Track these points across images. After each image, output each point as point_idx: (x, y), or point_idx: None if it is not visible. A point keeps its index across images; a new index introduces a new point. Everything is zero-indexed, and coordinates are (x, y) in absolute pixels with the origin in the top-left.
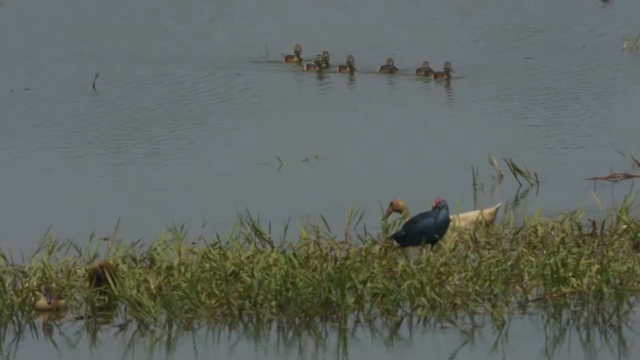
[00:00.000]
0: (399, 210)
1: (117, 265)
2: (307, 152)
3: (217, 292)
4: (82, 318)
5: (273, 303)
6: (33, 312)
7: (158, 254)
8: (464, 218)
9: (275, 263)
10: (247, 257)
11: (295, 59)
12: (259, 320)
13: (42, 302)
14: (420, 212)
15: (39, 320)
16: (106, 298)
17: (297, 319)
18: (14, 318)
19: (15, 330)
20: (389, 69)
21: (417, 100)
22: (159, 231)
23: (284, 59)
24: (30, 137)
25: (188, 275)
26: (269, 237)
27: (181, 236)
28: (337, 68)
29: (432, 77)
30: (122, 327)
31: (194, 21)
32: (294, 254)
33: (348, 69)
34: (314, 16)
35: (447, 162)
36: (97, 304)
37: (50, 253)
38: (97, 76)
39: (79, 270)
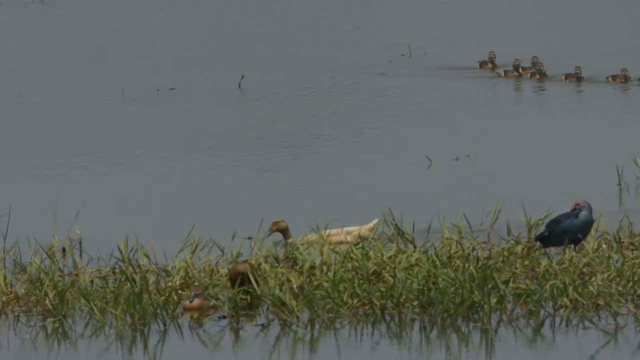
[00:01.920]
0: (281, 231)
1: (260, 264)
2: (461, 152)
3: (359, 291)
4: (225, 317)
5: (415, 303)
6: (178, 311)
7: (300, 253)
8: (348, 232)
9: (417, 263)
10: (389, 257)
11: (490, 65)
12: (401, 320)
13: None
14: (564, 213)
15: (184, 319)
16: (249, 297)
17: (439, 318)
18: (158, 317)
19: (160, 329)
20: (576, 77)
21: (600, 106)
22: (302, 231)
23: (478, 65)
24: (174, 137)
25: (330, 274)
26: (412, 237)
27: (325, 235)
28: (529, 74)
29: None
30: (265, 326)
31: (344, 25)
32: (436, 254)
33: (537, 75)
34: (499, 20)
35: (591, 163)
36: (239, 303)
37: (193, 252)
38: (243, 77)
39: (221, 270)
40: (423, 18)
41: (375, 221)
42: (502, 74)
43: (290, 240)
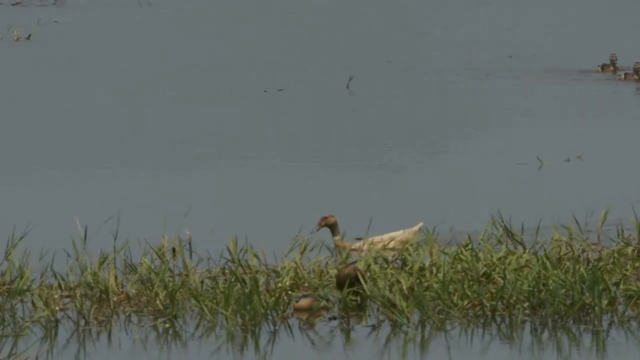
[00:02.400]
0: (330, 226)
1: (369, 265)
2: (573, 154)
3: (469, 293)
4: (335, 318)
5: (526, 304)
6: (289, 311)
7: (410, 254)
8: (391, 238)
9: (527, 264)
10: (499, 259)
11: (611, 68)
12: (512, 322)
13: (302, 302)
14: None
15: (294, 320)
16: (358, 298)
17: (550, 320)
18: (269, 317)
19: (270, 329)
20: None
21: None
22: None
23: (599, 68)
24: (281, 138)
25: (440, 276)
26: (521, 238)
27: (433, 237)
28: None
29: None
30: (375, 327)
31: (451, 25)
32: (546, 256)
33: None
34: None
35: None
36: (349, 304)
37: (302, 253)
38: (351, 78)
39: (330, 271)
40: (533, 19)
41: (420, 224)
42: (622, 76)
43: (337, 238)
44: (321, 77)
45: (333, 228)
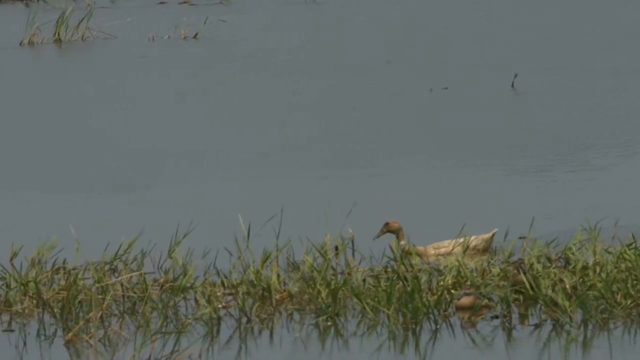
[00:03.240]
0: (393, 231)
1: (532, 264)
2: None
3: (632, 292)
4: (497, 317)
5: None
6: (450, 310)
7: (573, 253)
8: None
9: None
10: None
11: None
12: None
13: (464, 300)
14: None
15: (455, 318)
16: (521, 297)
17: None
18: (430, 316)
19: (432, 328)
20: None
21: None
22: (574, 231)
23: None
24: (445, 136)
25: (603, 275)
26: None
27: (595, 236)
28: None
29: None
30: (537, 326)
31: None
32: None
33: None
34: None
35: None
36: (512, 303)
37: (464, 252)
38: (516, 76)
39: (493, 270)
40: None
41: (494, 230)
42: None
43: (402, 242)
44: (486, 75)
45: (397, 233)
